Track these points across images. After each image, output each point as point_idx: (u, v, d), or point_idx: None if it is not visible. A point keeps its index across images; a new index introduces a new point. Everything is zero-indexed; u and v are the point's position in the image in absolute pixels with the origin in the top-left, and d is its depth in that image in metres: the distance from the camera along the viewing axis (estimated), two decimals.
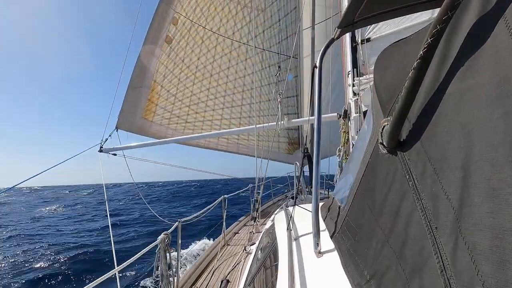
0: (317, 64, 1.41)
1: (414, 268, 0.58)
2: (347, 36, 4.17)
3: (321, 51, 1.41)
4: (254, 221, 5.01)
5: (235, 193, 7.10)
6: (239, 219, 7.25)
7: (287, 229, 1.66)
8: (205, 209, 4.40)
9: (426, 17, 3.16)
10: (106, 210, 5.03)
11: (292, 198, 5.61)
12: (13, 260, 9.40)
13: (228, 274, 3.50)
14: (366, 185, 0.94)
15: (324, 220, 1.43)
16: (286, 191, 11.08)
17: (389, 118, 0.76)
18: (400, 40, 0.90)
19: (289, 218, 1.84)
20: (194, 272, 3.97)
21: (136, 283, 8.34)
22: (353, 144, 3.66)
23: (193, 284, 3.66)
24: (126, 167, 6.67)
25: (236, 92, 9.38)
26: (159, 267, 2.54)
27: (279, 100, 4.46)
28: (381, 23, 3.77)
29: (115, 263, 2.74)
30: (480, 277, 0.41)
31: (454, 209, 0.49)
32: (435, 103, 0.60)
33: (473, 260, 0.43)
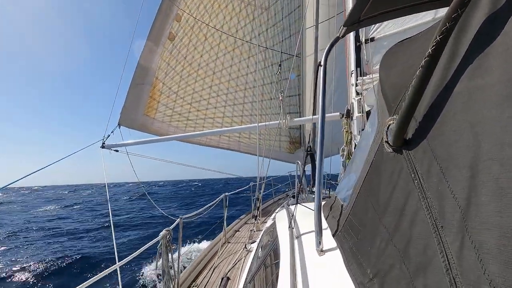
0: (322, 62, 1.41)
1: (418, 267, 0.58)
2: (351, 35, 4.15)
3: (326, 49, 1.41)
4: (255, 219, 5.01)
5: (236, 191, 7.11)
6: (240, 217, 7.26)
7: (289, 227, 1.67)
8: (206, 206, 4.41)
9: (430, 17, 3.14)
10: (108, 208, 5.06)
11: (293, 197, 5.61)
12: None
13: (228, 272, 3.51)
14: (370, 184, 0.94)
15: (326, 219, 1.43)
16: (287, 190, 11.09)
17: (394, 117, 0.75)
18: (407, 38, 0.90)
19: (291, 216, 1.84)
20: (194, 269, 3.98)
21: (137, 279, 8.39)
22: (355, 144, 3.65)
23: (194, 280, 3.68)
24: (126, 166, 6.69)
25: (238, 90, 9.38)
26: (161, 263, 2.55)
27: (281, 98, 4.45)
28: (385, 23, 3.75)
29: (116, 259, 2.76)
30: (487, 276, 0.41)
31: (461, 208, 0.49)
32: (443, 102, 0.60)
33: (479, 259, 0.43)
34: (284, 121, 4.67)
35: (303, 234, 1.51)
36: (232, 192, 6.13)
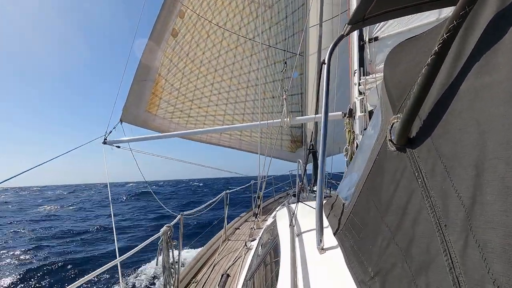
0: (326, 60, 1.40)
1: (421, 266, 0.58)
2: (355, 35, 4.14)
3: (330, 47, 1.41)
4: (256, 217, 5.02)
5: (237, 188, 7.13)
6: (241, 215, 7.28)
7: (290, 225, 1.67)
8: (207, 203, 4.43)
9: (434, 17, 3.13)
10: (110, 206, 5.08)
11: (294, 195, 5.61)
12: None
13: (228, 269, 3.52)
14: (372, 182, 0.94)
15: (327, 217, 1.43)
16: (287, 188, 11.09)
17: (399, 115, 0.75)
18: (412, 37, 0.89)
19: (292, 215, 1.84)
20: (195, 265, 4.00)
21: (138, 275, 8.43)
22: (357, 144, 3.65)
23: (194, 277, 3.70)
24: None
25: (240, 88, 9.36)
26: (162, 259, 2.56)
27: (284, 97, 4.43)
28: (389, 22, 3.73)
29: (117, 254, 2.77)
30: (491, 275, 0.41)
31: (465, 207, 0.49)
32: (448, 100, 0.59)
33: (484, 258, 0.43)
34: (286, 119, 4.66)
35: (304, 232, 1.51)
36: (233, 190, 6.15)
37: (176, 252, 2.79)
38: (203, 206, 4.18)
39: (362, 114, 3.78)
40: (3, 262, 9.43)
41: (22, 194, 65.26)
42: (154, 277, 7.55)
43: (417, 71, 0.69)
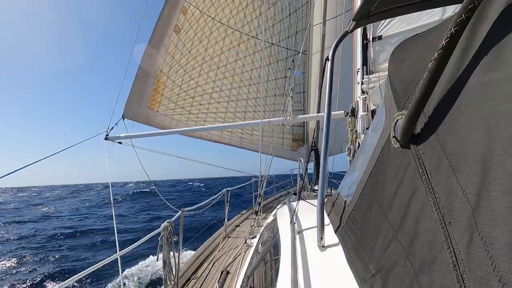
0: (330, 57, 1.39)
1: (423, 264, 0.57)
2: (358, 33, 4.12)
3: (334, 44, 1.40)
4: (256, 215, 5.02)
5: (238, 186, 7.15)
6: (241, 212, 7.30)
7: (290, 222, 1.66)
8: (208, 200, 4.44)
9: (437, 17, 3.11)
10: (111, 201, 5.11)
11: (295, 194, 5.61)
12: None
13: (228, 266, 3.53)
14: (375, 180, 0.93)
15: (328, 215, 1.42)
16: (288, 187, 11.10)
17: (403, 112, 0.74)
18: (418, 34, 0.88)
19: (293, 212, 1.83)
20: (195, 262, 4.02)
21: (138, 270, 8.46)
22: (359, 143, 3.64)
23: (194, 273, 3.71)
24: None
25: (242, 86, 9.34)
26: (162, 255, 2.57)
27: (291, 95, 4.40)
28: (393, 21, 3.72)
29: (117, 248, 2.78)
30: (496, 273, 0.40)
31: (471, 203, 0.48)
32: (455, 96, 0.58)
33: (489, 255, 0.42)
34: (289, 118, 4.63)
35: (304, 229, 1.51)
36: (234, 188, 6.16)
37: (176, 248, 2.80)
38: (204, 203, 4.18)
39: (365, 113, 3.77)
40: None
41: (17, 194, 64.03)
42: (154, 273, 7.58)
43: (423, 67, 0.68)
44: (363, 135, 3.72)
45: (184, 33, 8.22)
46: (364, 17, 1.22)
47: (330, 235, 1.20)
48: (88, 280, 7.76)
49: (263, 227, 3.46)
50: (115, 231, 3.58)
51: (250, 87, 9.39)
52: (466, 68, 0.56)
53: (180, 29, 8.09)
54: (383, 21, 3.69)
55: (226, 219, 5.41)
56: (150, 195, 33.59)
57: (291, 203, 2.46)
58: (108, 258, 2.06)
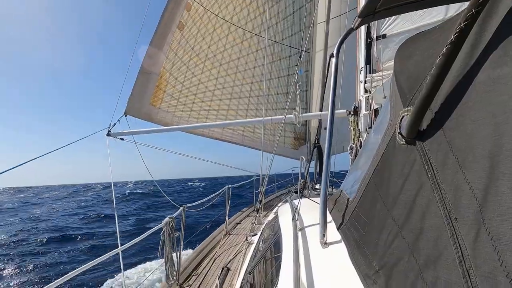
0: (334, 53, 1.39)
1: (428, 259, 0.57)
2: (362, 32, 4.11)
3: (339, 41, 1.39)
4: (257, 213, 5.03)
5: (240, 183, 7.17)
6: (242, 210, 7.32)
7: (292, 219, 1.66)
8: (210, 197, 4.46)
9: (440, 17, 3.09)
10: (113, 198, 5.13)
11: (295, 192, 5.62)
12: None
13: (229, 262, 3.54)
14: (379, 176, 0.93)
15: (330, 212, 1.42)
16: (289, 185, 11.11)
17: (409, 108, 0.74)
18: (424, 31, 0.88)
19: (295, 209, 1.84)
20: (195, 258, 4.04)
21: (140, 265, 8.51)
22: (361, 142, 3.63)
23: (195, 269, 3.73)
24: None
25: (244, 83, 9.33)
26: (164, 250, 2.58)
27: (298, 92, 4.38)
28: (398, 20, 3.69)
29: (119, 243, 2.79)
30: (504, 268, 0.40)
31: (478, 199, 0.48)
32: (463, 92, 0.58)
33: (496, 250, 0.42)
34: (298, 115, 4.61)
35: (306, 226, 1.51)
36: (235, 185, 6.17)
37: (177, 244, 2.81)
38: (205, 199, 4.20)
39: (367, 112, 3.76)
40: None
41: (14, 194, 62.81)
42: (156, 268, 7.62)
43: (430, 63, 0.68)
44: (365, 134, 3.71)
45: (188, 30, 8.20)
46: (369, 14, 1.21)
47: (332, 232, 1.20)
48: (90, 275, 7.81)
49: (264, 224, 3.46)
50: (117, 230, 3.60)
51: (253, 85, 9.37)
52: (475, 64, 0.56)
53: (183, 25, 8.07)
54: (387, 19, 3.67)
55: (227, 216, 5.43)
56: (145, 196, 33.20)
57: (293, 200, 2.47)
58: (109, 253, 2.07)
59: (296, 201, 2.20)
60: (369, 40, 4.09)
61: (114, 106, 6.94)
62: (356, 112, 4.02)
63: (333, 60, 1.39)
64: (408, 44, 0.91)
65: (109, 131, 6.65)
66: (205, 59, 8.78)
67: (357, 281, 0.84)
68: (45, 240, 12.49)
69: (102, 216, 18.69)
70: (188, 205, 3.35)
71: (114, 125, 6.76)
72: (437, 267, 0.54)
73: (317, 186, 6.04)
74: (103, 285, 7.44)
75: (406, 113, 0.75)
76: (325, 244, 1.16)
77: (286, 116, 5.01)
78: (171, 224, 2.59)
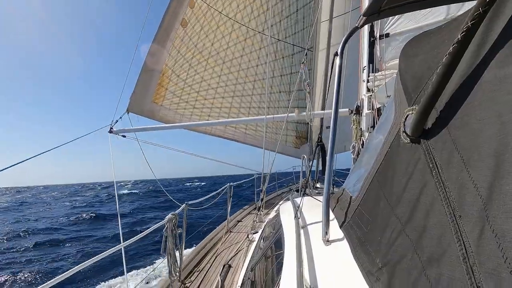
0: (339, 52, 1.39)
1: (432, 257, 0.58)
2: (365, 31, 4.09)
3: (343, 39, 1.39)
4: (258, 211, 5.05)
5: (241, 181, 7.18)
6: (243, 207, 7.34)
7: (295, 217, 1.67)
8: (211, 195, 4.48)
9: (442, 16, 3.08)
10: (115, 196, 5.16)
11: (297, 191, 5.62)
12: None
13: (230, 260, 3.56)
14: (383, 175, 0.93)
15: (332, 211, 1.43)
16: (290, 184, 11.12)
17: (414, 107, 0.74)
18: (430, 30, 0.88)
19: (297, 207, 1.84)
20: (197, 255, 4.06)
21: (142, 261, 8.55)
22: (363, 141, 3.63)
23: (196, 266, 3.75)
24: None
25: (247, 81, 9.32)
26: (166, 246, 2.60)
27: (308, 90, 4.36)
28: (401, 19, 3.68)
29: (121, 239, 2.81)
30: (508, 265, 0.41)
31: (482, 197, 0.49)
32: (468, 91, 0.58)
33: (500, 247, 0.43)
34: (311, 113, 4.59)
35: (309, 224, 1.52)
36: (236, 183, 6.19)
37: (180, 240, 2.83)
38: (207, 197, 4.22)
39: (370, 111, 3.75)
40: None
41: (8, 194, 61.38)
42: (157, 264, 7.66)
43: (436, 62, 0.68)
44: (367, 133, 3.71)
45: (191, 27, 8.18)
46: (374, 13, 1.21)
47: (335, 230, 1.20)
48: (91, 271, 7.85)
49: (265, 223, 3.48)
50: (119, 222, 3.63)
51: (255, 83, 9.36)
52: (481, 63, 0.56)
53: (187, 22, 8.05)
54: (390, 18, 3.66)
55: (228, 214, 5.45)
56: (142, 197, 32.83)
57: (295, 199, 2.47)
58: (111, 249, 2.08)
59: (298, 199, 2.21)
60: (372, 39, 4.07)
61: (115, 106, 6.96)
62: (358, 111, 4.02)
63: (337, 59, 1.39)
64: (413, 43, 0.91)
65: (111, 128, 6.68)
66: (208, 56, 8.77)
67: (360, 278, 0.84)
68: (31, 245, 11.75)
69: (91, 218, 17.97)
70: (190, 202, 3.37)
71: (116, 122, 6.79)
72: (440, 264, 0.54)
73: (317, 185, 6.04)
74: (105, 281, 7.49)
75: (411, 112, 0.75)
76: (327, 241, 1.17)
77: (289, 114, 5.00)
78: (173, 221, 2.61)
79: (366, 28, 4.03)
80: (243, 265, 2.81)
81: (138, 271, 7.90)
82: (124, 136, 6.87)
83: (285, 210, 2.21)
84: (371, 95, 3.83)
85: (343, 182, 1.76)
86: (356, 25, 1.33)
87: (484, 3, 0.52)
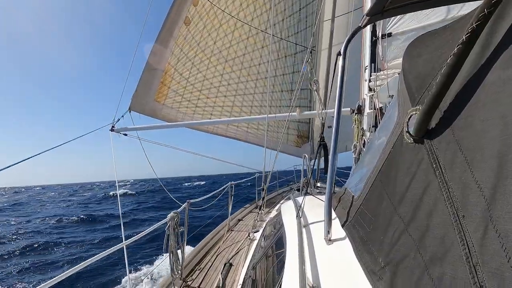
0: (342, 52, 1.39)
1: (435, 256, 0.58)
2: (368, 30, 4.08)
3: (346, 38, 1.39)
4: (259, 210, 5.06)
5: (242, 180, 7.19)
6: (245, 206, 7.35)
7: (297, 216, 1.67)
8: (213, 193, 4.49)
9: (444, 16, 3.07)
10: (117, 194, 5.18)
11: (298, 190, 5.63)
12: None
13: (231, 258, 3.57)
14: (386, 174, 0.93)
15: (334, 210, 1.43)
16: (291, 183, 11.12)
17: (418, 107, 0.74)
18: (434, 30, 0.88)
19: (299, 207, 1.85)
20: (198, 253, 4.08)
21: (144, 259, 8.58)
22: (365, 141, 3.63)
23: (198, 264, 3.77)
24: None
25: (249, 80, 9.31)
26: (168, 244, 2.61)
27: (315, 88, 4.35)
28: (404, 18, 3.67)
29: (123, 238, 2.83)
30: (511, 264, 0.41)
31: (486, 197, 0.49)
32: (472, 92, 0.58)
33: (504, 247, 0.43)
34: (322, 111, 4.59)
35: (310, 223, 1.52)
36: (238, 181, 6.20)
37: (182, 238, 2.85)
38: (208, 195, 4.23)
39: (371, 110, 3.75)
40: None
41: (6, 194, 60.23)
42: (160, 263, 7.68)
43: (440, 62, 0.68)
44: (368, 133, 3.70)
45: (194, 25, 8.17)
46: (378, 13, 1.21)
47: (337, 230, 1.21)
48: (92, 270, 7.88)
49: (266, 222, 3.48)
50: (121, 220, 3.65)
51: (257, 81, 9.36)
52: (485, 64, 0.56)
53: (190, 20, 8.03)
54: (393, 18, 3.65)
55: (229, 213, 5.46)
56: (139, 197, 32.66)
57: (296, 198, 2.48)
58: (113, 247, 2.09)
59: (299, 198, 2.21)
60: (374, 39, 4.06)
61: (115, 106, 6.97)
62: (360, 110, 4.01)
63: (340, 58, 1.39)
64: (417, 43, 0.92)
65: (112, 126, 6.69)
66: (211, 55, 8.76)
67: (363, 277, 0.85)
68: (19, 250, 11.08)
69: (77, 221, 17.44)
70: (191, 201, 3.38)
71: (118, 120, 6.80)
72: (443, 263, 0.55)
73: (318, 184, 6.05)
74: (107, 280, 7.52)
75: (414, 112, 0.75)
76: (329, 241, 1.17)
77: (290, 113, 5.00)
78: (175, 219, 2.62)
79: (368, 27, 4.02)
80: (244, 264, 2.82)
81: (140, 268, 7.94)
82: (125, 135, 6.89)
83: (287, 209, 2.21)
84: (373, 95, 3.82)
85: (344, 181, 1.76)
86: (360, 25, 1.33)
87: (489, 4, 0.52)
